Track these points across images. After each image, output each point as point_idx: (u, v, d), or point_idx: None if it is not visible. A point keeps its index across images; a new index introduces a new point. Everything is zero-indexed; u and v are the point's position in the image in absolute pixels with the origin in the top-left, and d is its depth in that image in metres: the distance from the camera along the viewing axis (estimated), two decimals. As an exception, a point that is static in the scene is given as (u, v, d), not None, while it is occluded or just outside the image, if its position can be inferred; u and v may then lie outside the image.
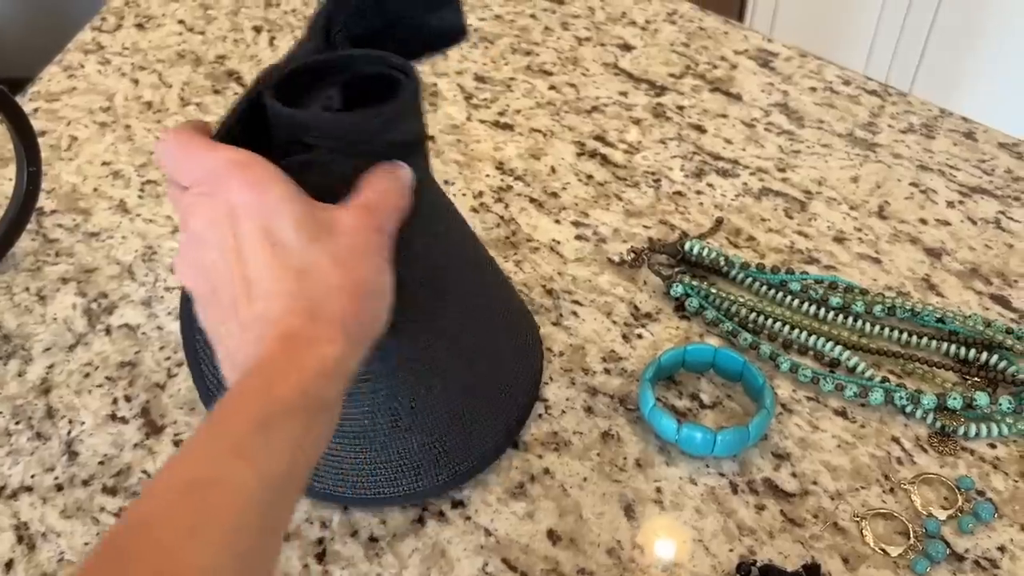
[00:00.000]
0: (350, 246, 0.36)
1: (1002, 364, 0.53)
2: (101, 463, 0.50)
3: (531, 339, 0.53)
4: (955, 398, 0.50)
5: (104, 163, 0.71)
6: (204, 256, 0.36)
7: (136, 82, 0.80)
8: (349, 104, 0.42)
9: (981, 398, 0.50)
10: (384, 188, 0.38)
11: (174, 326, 0.57)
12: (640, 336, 0.57)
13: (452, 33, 0.44)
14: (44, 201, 0.67)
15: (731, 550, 0.45)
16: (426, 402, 0.45)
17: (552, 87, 0.78)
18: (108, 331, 0.57)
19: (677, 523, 0.46)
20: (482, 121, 0.75)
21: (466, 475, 0.47)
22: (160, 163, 0.41)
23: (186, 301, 0.52)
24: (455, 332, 0.46)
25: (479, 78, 0.80)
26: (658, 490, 0.48)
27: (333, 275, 0.35)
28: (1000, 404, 0.50)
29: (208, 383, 0.50)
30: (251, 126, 0.41)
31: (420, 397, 0.45)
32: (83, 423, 0.52)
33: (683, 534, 0.46)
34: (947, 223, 0.64)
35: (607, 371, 0.54)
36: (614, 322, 0.57)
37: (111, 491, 0.48)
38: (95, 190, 0.68)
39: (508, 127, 0.74)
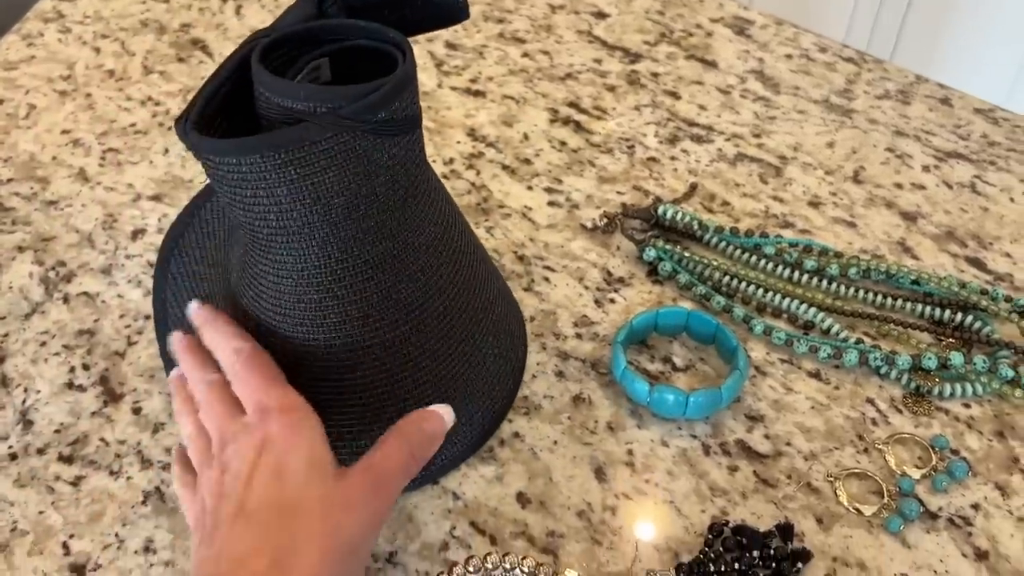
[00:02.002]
0: (344, 498, 0.36)
1: (977, 324, 0.52)
2: (57, 431, 0.48)
3: (516, 337, 0.51)
4: (930, 358, 0.50)
5: (64, 131, 0.69)
6: (219, 477, 0.37)
7: (98, 50, 0.77)
8: (337, 77, 0.41)
9: (956, 358, 0.49)
10: (395, 449, 0.38)
11: (135, 294, 0.56)
12: (612, 301, 0.56)
13: (453, 11, 0.42)
14: (0, 170, 0.65)
15: (703, 511, 0.44)
16: (396, 394, 0.44)
17: (525, 54, 0.77)
18: (66, 299, 0.56)
19: (648, 485, 0.45)
20: (453, 88, 0.73)
21: (440, 470, 0.46)
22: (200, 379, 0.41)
23: (160, 272, 0.50)
24: (435, 326, 0.44)
25: (450, 45, 0.78)
26: (629, 452, 0.47)
27: (316, 522, 0.34)
28: (975, 364, 0.49)
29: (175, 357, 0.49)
30: (233, 95, 0.39)
31: (389, 388, 0.43)
32: (39, 391, 0.50)
33: (655, 496, 0.45)
34: (922, 187, 0.64)
35: (579, 336, 0.53)
36: (586, 287, 0.56)
37: (67, 459, 0.47)
38: (54, 158, 0.66)
39: (480, 94, 0.73)
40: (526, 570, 0.38)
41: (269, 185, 0.37)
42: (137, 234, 0.60)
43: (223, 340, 0.41)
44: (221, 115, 0.39)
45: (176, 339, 0.43)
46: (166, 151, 0.67)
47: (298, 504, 0.35)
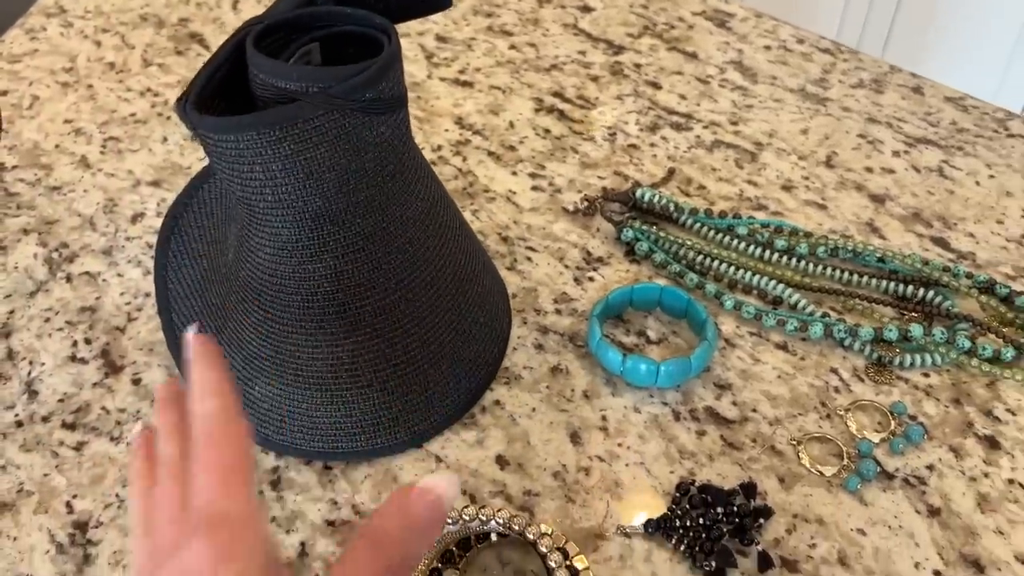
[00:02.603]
0: None
1: (938, 299, 0.55)
2: (60, 401, 0.51)
3: (500, 309, 0.53)
4: (891, 330, 0.52)
5: (66, 121, 0.72)
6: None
7: (99, 44, 0.80)
8: (328, 62, 0.43)
9: (916, 330, 0.52)
10: (363, 563, 0.30)
11: (134, 273, 0.58)
12: (591, 279, 0.58)
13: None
14: (5, 157, 0.67)
15: (672, 472, 0.47)
16: (388, 360, 0.46)
17: (512, 47, 0.80)
18: (69, 279, 0.58)
19: (621, 448, 0.48)
20: (442, 79, 0.76)
21: (424, 435, 0.48)
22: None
23: (161, 250, 0.53)
24: (423, 294, 0.46)
25: (440, 38, 0.81)
26: (603, 418, 0.49)
27: None
28: (934, 335, 0.52)
29: (177, 332, 0.51)
30: (231, 77, 0.41)
31: (381, 354, 0.46)
32: (43, 364, 0.53)
33: (626, 458, 0.47)
34: (892, 171, 0.66)
35: (558, 311, 0.56)
36: (566, 266, 0.59)
37: (70, 427, 0.49)
38: (57, 146, 0.69)
39: (468, 84, 0.75)
40: (500, 521, 0.41)
41: (265, 161, 0.39)
42: (137, 217, 0.63)
43: (204, 389, 0.33)
44: (219, 97, 0.41)
45: (186, 342, 0.35)
46: (164, 139, 0.70)
47: None
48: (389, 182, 0.43)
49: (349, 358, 0.45)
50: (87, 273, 0.58)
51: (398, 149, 0.43)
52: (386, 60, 0.39)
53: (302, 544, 0.44)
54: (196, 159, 0.67)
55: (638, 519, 0.44)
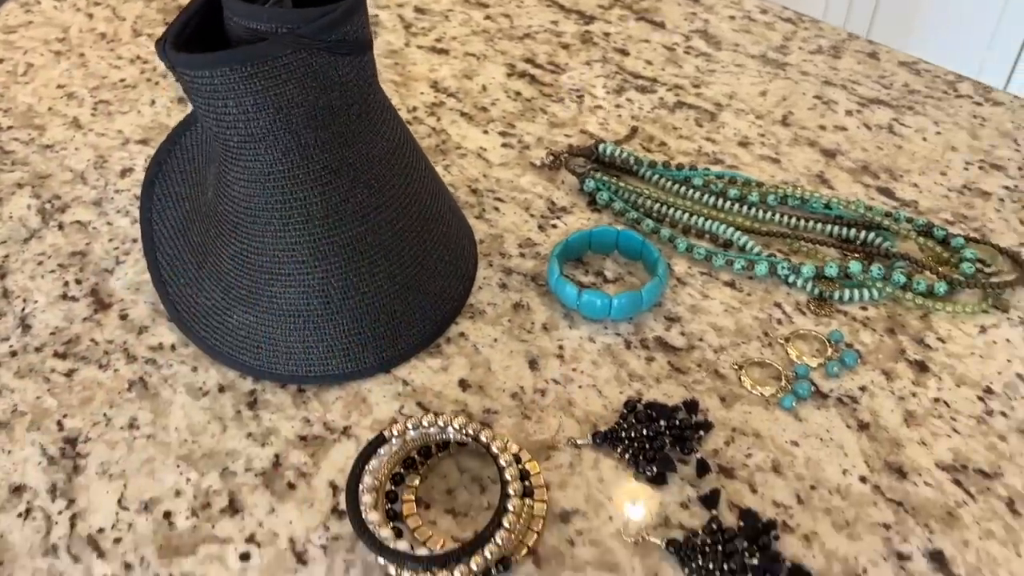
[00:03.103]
0: None
1: (879, 240, 0.58)
2: (52, 333, 0.54)
3: (466, 250, 0.57)
4: (831, 267, 0.56)
5: (59, 86, 0.75)
6: None
7: (91, 16, 0.83)
8: (298, 6, 0.47)
9: (854, 266, 0.55)
10: None
11: (123, 222, 0.62)
12: (555, 226, 0.61)
13: None
14: (0, 119, 0.71)
15: (621, 393, 0.50)
16: (357, 288, 0.50)
17: (488, 17, 0.83)
18: (61, 227, 0.62)
19: (575, 373, 0.51)
20: (419, 47, 0.79)
21: (392, 362, 0.51)
22: None
23: (146, 193, 0.56)
24: (389, 229, 0.49)
25: (418, 9, 0.84)
26: (560, 347, 0.53)
27: None
28: (872, 272, 0.55)
29: (162, 271, 0.55)
30: (207, 21, 0.45)
31: (350, 282, 0.49)
32: (36, 302, 0.56)
33: (579, 381, 0.51)
34: (844, 128, 0.70)
35: (522, 255, 0.59)
36: (531, 215, 0.62)
37: (61, 356, 0.53)
38: (49, 109, 0.72)
39: (444, 52, 0.79)
40: (458, 427, 0.44)
41: (237, 95, 0.43)
42: (126, 172, 0.66)
43: None
44: (196, 40, 0.45)
45: None
46: (153, 102, 0.73)
47: None
48: (355, 121, 0.46)
49: (320, 285, 0.48)
50: (78, 222, 0.62)
51: (364, 90, 0.47)
52: (351, 4, 0.43)
53: (276, 456, 0.47)
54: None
55: (588, 432, 0.48)
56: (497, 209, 0.63)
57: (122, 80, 0.76)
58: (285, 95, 0.43)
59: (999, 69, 1.58)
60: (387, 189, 0.49)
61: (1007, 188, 0.64)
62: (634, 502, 0.45)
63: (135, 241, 0.60)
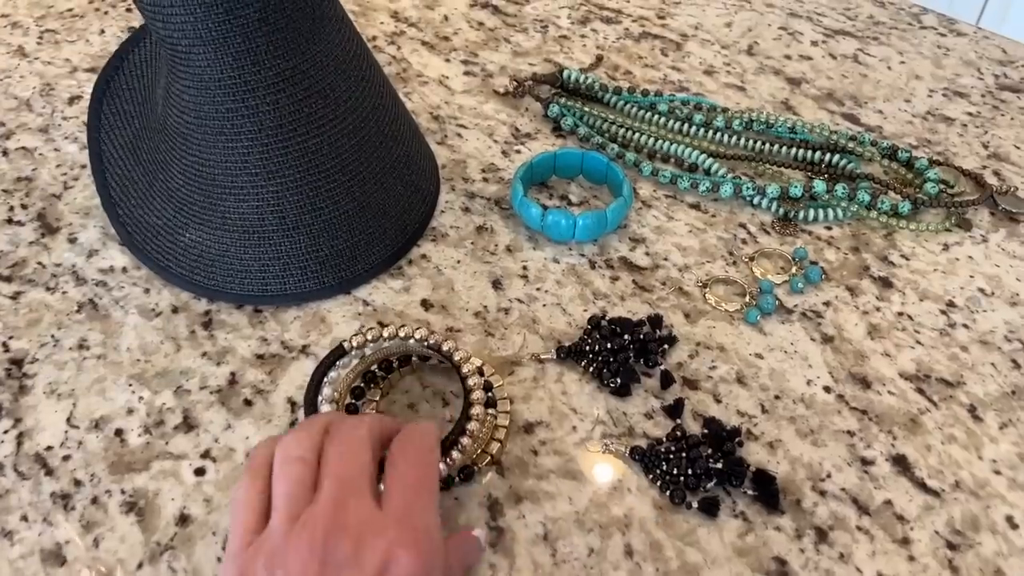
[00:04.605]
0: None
1: (843, 162, 0.58)
2: (-3, 257, 0.52)
3: (427, 173, 0.55)
4: (796, 187, 0.55)
5: (2, 15, 0.72)
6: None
7: (36, -55, 0.80)
8: None
9: (819, 185, 0.55)
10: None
11: (71, 148, 0.59)
12: (519, 152, 0.60)
13: None
14: (-59, 46, 0.68)
15: (585, 311, 0.49)
16: (313, 204, 0.48)
17: (449, -50, 0.81)
18: (5, 153, 0.59)
19: (539, 292, 0.50)
20: (379, -22, 0.77)
21: (351, 282, 0.50)
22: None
23: (94, 112, 0.54)
24: (345, 143, 0.48)
25: (378, -59, 0.82)
26: (524, 268, 0.52)
27: None
28: (836, 191, 0.55)
29: (112, 192, 0.53)
30: None
31: (306, 198, 0.47)
32: (-20, 226, 0.54)
33: (543, 300, 0.50)
34: (809, 58, 0.69)
35: (486, 180, 0.58)
36: (495, 141, 0.61)
37: (6, 279, 0.51)
38: (-7, 37, 0.69)
39: (404, -17, 0.77)
40: (417, 337, 0.43)
41: None
42: (73, 100, 0.64)
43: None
44: None
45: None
46: (102, 31, 0.70)
47: None
48: (309, 25, 0.45)
49: (274, 200, 0.47)
50: (23, 148, 0.60)
51: None
52: None
53: (232, 374, 0.46)
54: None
55: (552, 349, 0.47)
56: (460, 135, 0.61)
57: (69, 9, 0.73)
58: None
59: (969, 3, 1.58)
60: (343, 101, 0.48)
61: (970, 114, 0.64)
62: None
63: (84, 167, 0.58)
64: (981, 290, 0.51)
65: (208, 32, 0.42)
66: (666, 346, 0.47)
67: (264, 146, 0.46)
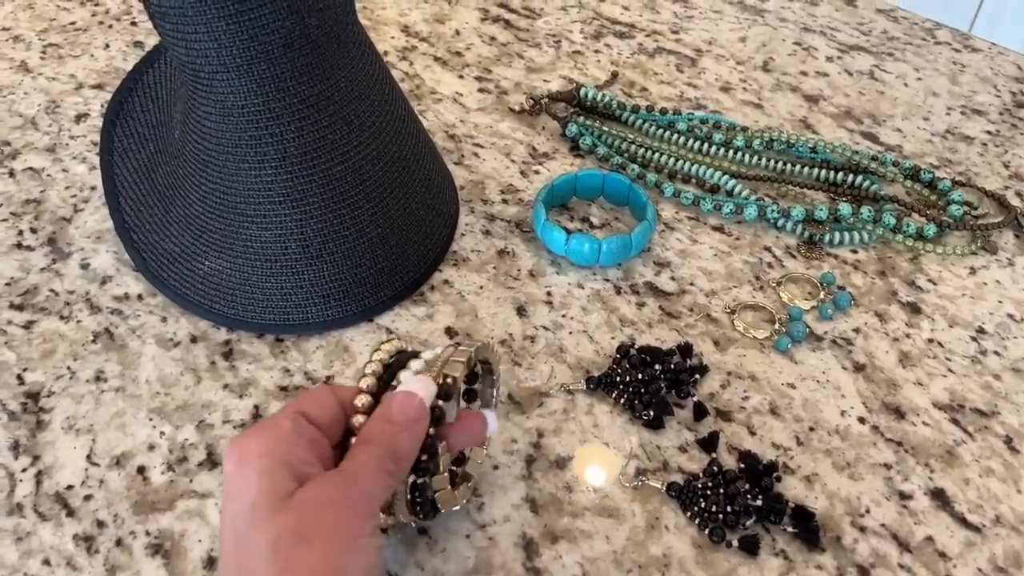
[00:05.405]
0: (293, 529, 0.30)
1: (866, 183, 0.57)
2: (8, 284, 0.51)
3: (448, 195, 0.54)
4: (821, 210, 0.55)
5: (3, 29, 0.70)
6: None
7: (36, -45, 0.78)
8: None
9: (844, 208, 0.54)
10: (370, 454, 0.33)
11: (80, 169, 0.58)
12: (537, 172, 0.59)
13: None
14: (-58, 61, 0.66)
15: (613, 338, 0.49)
16: (337, 232, 0.47)
17: (458, -39, 0.80)
18: (12, 174, 0.58)
19: (564, 319, 0.50)
20: (388, -9, 0.76)
21: (374, 310, 0.49)
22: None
23: (107, 135, 0.52)
24: (370, 170, 0.47)
25: (386, -48, 0.81)
26: (548, 294, 0.51)
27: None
28: (862, 214, 0.55)
29: (126, 216, 0.51)
30: None
31: (330, 225, 0.46)
32: (-12, 251, 0.53)
33: (569, 327, 0.49)
34: (825, 75, 0.68)
35: (505, 201, 0.57)
36: (513, 161, 0.60)
37: (18, 307, 0.50)
38: (-5, 52, 0.68)
39: (414, -4, 0.76)
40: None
41: (208, 20, 0.40)
42: (80, 118, 0.62)
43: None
44: None
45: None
46: (107, 46, 0.69)
47: (243, 564, 0.30)
48: (333, 51, 0.44)
49: (297, 228, 0.46)
50: (31, 168, 0.58)
51: (342, 19, 0.44)
52: None
53: (256, 407, 0.45)
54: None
55: (581, 379, 0.46)
56: (476, 155, 0.60)
57: (72, 23, 0.71)
58: (260, 19, 0.40)
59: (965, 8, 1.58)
60: (367, 127, 0.47)
61: (989, 133, 0.63)
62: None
63: (94, 188, 0.57)
64: (1010, 316, 0.50)
65: (232, 58, 0.41)
66: (697, 376, 0.46)
67: (288, 174, 0.45)
